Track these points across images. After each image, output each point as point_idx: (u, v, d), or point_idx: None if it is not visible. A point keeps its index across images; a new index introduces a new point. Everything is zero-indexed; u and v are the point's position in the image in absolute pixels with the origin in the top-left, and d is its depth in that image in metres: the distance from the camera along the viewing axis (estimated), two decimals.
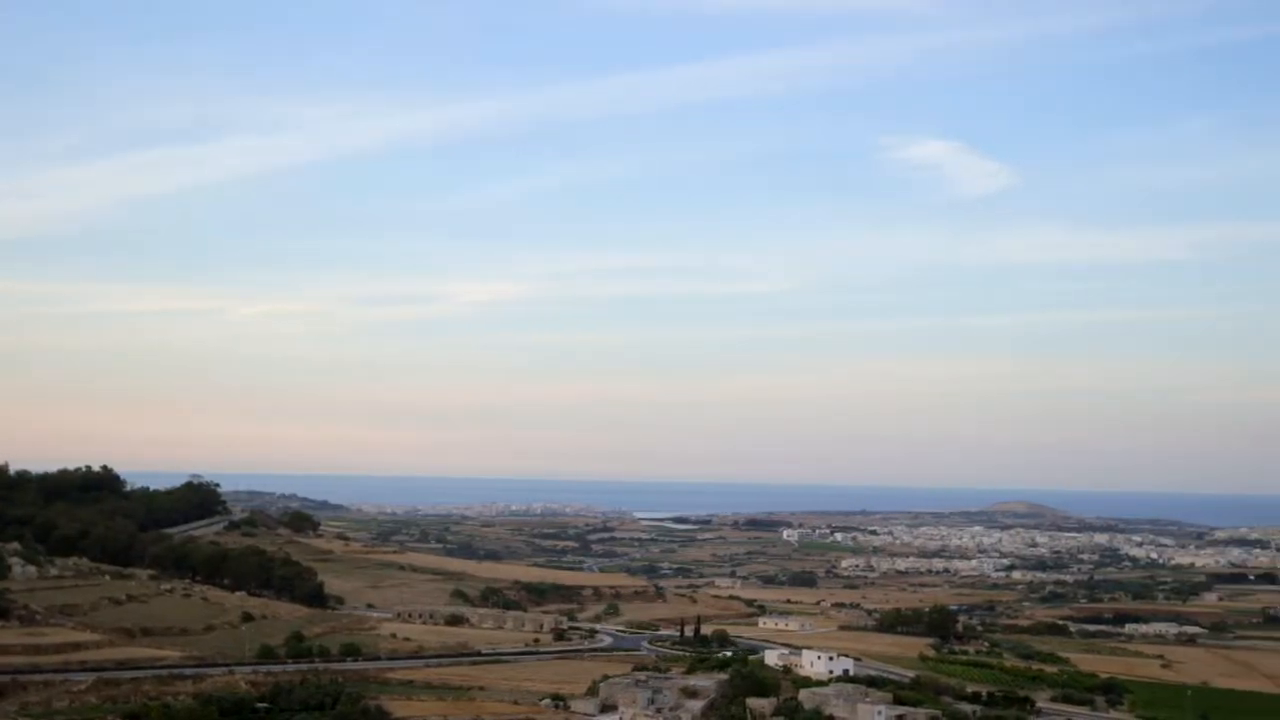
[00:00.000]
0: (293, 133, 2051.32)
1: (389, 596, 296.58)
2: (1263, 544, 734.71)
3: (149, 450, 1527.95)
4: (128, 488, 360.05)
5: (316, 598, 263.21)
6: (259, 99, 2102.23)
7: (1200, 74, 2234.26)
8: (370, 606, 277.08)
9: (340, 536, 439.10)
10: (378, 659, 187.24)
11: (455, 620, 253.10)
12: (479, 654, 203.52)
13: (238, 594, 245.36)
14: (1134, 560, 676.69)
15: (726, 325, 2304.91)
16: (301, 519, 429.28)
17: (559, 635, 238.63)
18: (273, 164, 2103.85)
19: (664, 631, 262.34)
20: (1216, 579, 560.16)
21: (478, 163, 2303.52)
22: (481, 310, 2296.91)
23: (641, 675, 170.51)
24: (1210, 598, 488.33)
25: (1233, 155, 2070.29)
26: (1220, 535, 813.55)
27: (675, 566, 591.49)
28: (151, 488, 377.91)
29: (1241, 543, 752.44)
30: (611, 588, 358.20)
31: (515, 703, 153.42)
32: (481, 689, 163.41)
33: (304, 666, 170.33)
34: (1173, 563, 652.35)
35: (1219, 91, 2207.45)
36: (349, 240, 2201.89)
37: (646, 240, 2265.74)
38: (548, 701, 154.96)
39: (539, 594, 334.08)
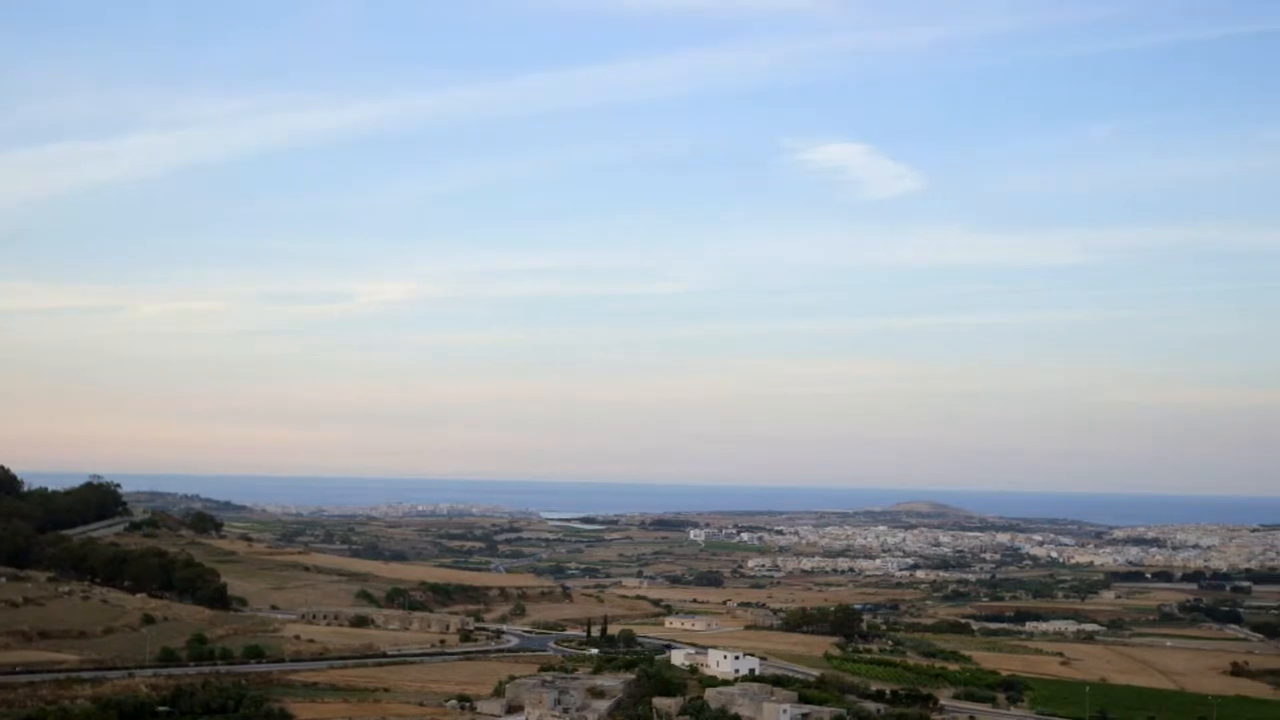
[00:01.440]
0: (197, 128, 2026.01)
1: (293, 598, 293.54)
2: (1159, 543, 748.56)
3: (47, 450, 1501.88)
4: (25, 488, 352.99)
5: (219, 599, 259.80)
6: (162, 93, 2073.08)
7: (1102, 81, 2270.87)
8: (274, 608, 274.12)
9: (244, 538, 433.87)
10: (281, 661, 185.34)
11: (360, 622, 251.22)
12: (384, 655, 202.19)
13: (138, 596, 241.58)
14: (1035, 559, 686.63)
15: (635, 326, 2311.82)
16: (204, 520, 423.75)
17: (465, 636, 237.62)
18: (176, 160, 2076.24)
19: (571, 632, 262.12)
20: (1114, 577, 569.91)
21: (385, 161, 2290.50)
22: (389, 310, 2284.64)
23: (548, 676, 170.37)
24: (1108, 596, 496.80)
25: (1132, 162, 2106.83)
26: (1119, 534, 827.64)
27: (582, 567, 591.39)
28: (50, 488, 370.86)
29: (1139, 541, 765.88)
30: (518, 588, 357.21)
31: (421, 704, 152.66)
32: (387, 690, 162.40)
33: (206, 669, 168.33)
34: (1072, 561, 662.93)
35: (1120, 99, 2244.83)
36: (254, 238, 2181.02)
37: (555, 241, 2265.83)
38: (453, 703, 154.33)
39: (445, 595, 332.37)
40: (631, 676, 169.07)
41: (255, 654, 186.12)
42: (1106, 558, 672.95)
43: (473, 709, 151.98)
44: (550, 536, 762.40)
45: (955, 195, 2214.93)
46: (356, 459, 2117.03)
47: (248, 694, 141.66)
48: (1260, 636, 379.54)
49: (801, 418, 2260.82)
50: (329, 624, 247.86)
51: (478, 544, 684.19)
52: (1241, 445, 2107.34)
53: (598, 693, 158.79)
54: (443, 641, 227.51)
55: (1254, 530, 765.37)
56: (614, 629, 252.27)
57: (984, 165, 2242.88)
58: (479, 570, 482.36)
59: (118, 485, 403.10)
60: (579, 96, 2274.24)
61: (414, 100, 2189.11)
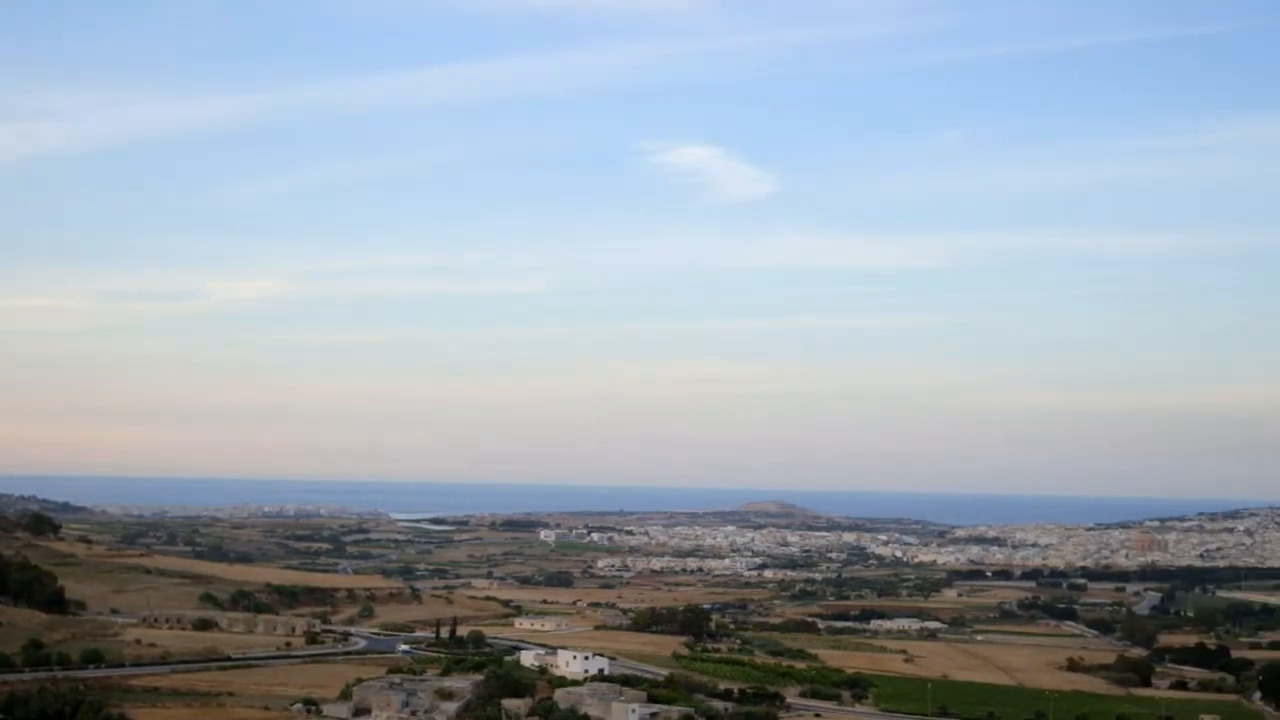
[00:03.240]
0: (41, 121, 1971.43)
1: (134, 601, 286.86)
2: (1000, 542, 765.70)
3: None
4: None
5: (56, 603, 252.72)
6: (3, 85, 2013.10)
7: (954, 88, 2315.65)
8: (115, 611, 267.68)
9: (83, 539, 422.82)
10: (121, 666, 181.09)
11: (204, 625, 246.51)
12: (228, 659, 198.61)
13: None
14: (880, 559, 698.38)
15: (486, 326, 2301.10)
16: (41, 521, 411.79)
17: (312, 638, 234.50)
18: (19, 152, 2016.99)
19: (420, 633, 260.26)
20: (956, 576, 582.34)
21: (236, 158, 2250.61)
22: (239, 308, 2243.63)
23: (396, 678, 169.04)
24: (950, 594, 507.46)
25: (982, 167, 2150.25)
26: (961, 534, 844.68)
27: (432, 568, 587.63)
28: None
29: (980, 541, 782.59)
30: (366, 590, 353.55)
31: (266, 708, 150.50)
32: (231, 695, 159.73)
33: (42, 675, 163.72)
34: (916, 560, 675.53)
35: (971, 105, 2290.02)
36: (98, 234, 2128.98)
37: (406, 239, 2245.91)
38: (299, 706, 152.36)
39: (292, 597, 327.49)
40: (480, 678, 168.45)
41: (94, 658, 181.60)
42: (949, 557, 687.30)
43: (319, 712, 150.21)
44: (399, 538, 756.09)
45: (809, 199, 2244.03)
46: (201, 459, 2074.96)
47: (86, 700, 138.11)
48: (1095, 633, 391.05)
49: (653, 418, 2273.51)
50: (171, 627, 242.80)
51: (325, 545, 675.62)
52: (1079, 447, 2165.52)
53: (446, 694, 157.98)
54: (289, 644, 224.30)
55: (1089, 529, 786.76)
56: (463, 630, 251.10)
57: (838, 169, 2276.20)
58: (327, 572, 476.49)
59: None
60: (435, 95, 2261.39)
61: (266, 97, 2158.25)
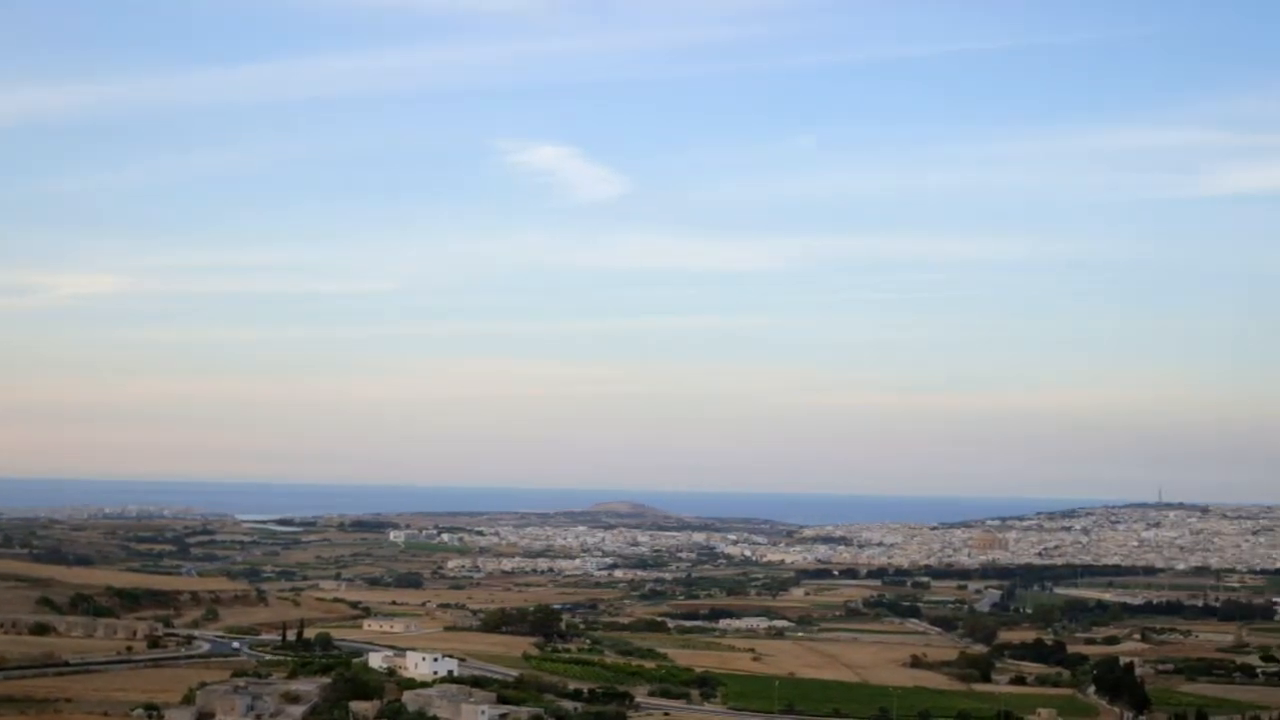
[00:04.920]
0: None
1: None
2: (846, 541, 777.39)
3: None
4: None
5: None
6: None
7: (809, 94, 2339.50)
8: None
9: None
10: None
11: (41, 629, 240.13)
12: (66, 664, 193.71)
13: None
14: (729, 558, 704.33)
15: (341, 324, 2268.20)
16: None
17: (154, 642, 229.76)
18: None
19: (265, 636, 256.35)
20: (804, 574, 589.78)
21: (79, 150, 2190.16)
22: (81, 304, 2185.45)
23: (240, 681, 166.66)
24: (798, 593, 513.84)
25: (833, 171, 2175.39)
26: (808, 533, 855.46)
27: (279, 570, 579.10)
28: None
29: (827, 540, 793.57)
30: (211, 592, 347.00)
31: (106, 714, 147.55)
32: (69, 701, 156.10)
33: None
34: (765, 560, 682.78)
35: (826, 111, 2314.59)
36: None
37: (251, 236, 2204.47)
38: (140, 711, 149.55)
39: (133, 600, 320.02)
40: (328, 680, 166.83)
41: None
42: (797, 556, 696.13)
43: (160, 717, 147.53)
44: (246, 539, 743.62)
45: (661, 200, 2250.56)
46: (39, 459, 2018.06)
47: None
48: (938, 630, 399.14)
49: (503, 418, 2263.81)
50: (5, 632, 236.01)
51: (169, 547, 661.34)
52: (924, 448, 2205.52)
53: (292, 698, 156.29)
54: (130, 648, 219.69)
55: (933, 529, 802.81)
56: (310, 632, 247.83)
57: (689, 171, 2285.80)
58: (170, 574, 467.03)
59: None
60: (284, 90, 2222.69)
61: (106, 89, 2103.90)
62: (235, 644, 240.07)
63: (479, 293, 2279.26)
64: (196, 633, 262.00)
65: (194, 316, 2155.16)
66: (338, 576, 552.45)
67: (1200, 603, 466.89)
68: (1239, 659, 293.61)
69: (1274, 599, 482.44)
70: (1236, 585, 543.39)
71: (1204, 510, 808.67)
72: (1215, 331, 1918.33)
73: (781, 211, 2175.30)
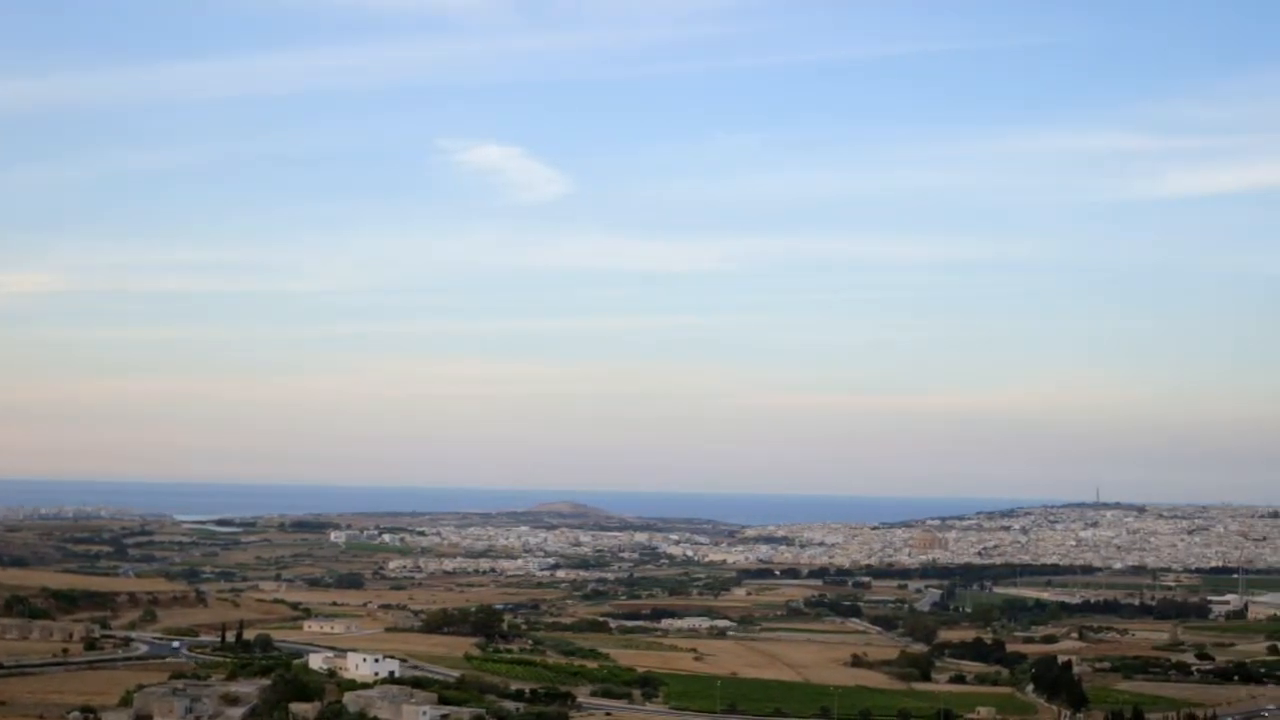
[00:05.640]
0: None
1: None
2: (788, 541, 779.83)
3: None
4: None
5: None
6: None
7: (747, 94, 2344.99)
8: None
9: None
10: None
11: None
12: (1, 666, 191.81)
13: None
14: (671, 558, 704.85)
15: (273, 323, 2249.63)
16: None
17: (91, 644, 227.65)
18: None
19: (205, 637, 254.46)
20: (746, 574, 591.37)
21: (16, 146, 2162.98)
22: (19, 302, 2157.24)
23: (179, 683, 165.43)
24: (740, 592, 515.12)
25: (778, 172, 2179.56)
26: (750, 533, 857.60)
27: (218, 570, 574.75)
28: None
29: (769, 540, 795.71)
30: (149, 593, 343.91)
31: (41, 717, 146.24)
32: (3, 704, 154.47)
33: None
34: (707, 560, 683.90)
35: (767, 112, 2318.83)
36: None
37: (194, 234, 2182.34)
38: (76, 714, 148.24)
39: (70, 601, 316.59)
40: (267, 682, 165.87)
41: None
42: (739, 556, 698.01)
43: None
44: (185, 539, 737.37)
45: (602, 200, 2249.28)
46: None
47: None
48: (878, 629, 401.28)
49: (446, 418, 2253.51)
50: None
51: (106, 548, 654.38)
52: (865, 448, 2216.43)
53: (232, 699, 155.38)
54: (66, 650, 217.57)
55: (874, 529, 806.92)
56: (250, 633, 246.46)
57: (630, 172, 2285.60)
58: (107, 575, 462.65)
59: None
60: (227, 87, 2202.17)
61: (43, 83, 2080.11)
62: (174, 645, 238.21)
63: (421, 292, 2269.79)
64: (134, 634, 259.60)
65: (131, 315, 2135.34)
66: (278, 577, 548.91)
67: (1136, 601, 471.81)
68: (1174, 657, 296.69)
69: (1208, 598, 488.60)
70: (1172, 584, 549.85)
71: (1140, 510, 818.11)
72: (1152, 333, 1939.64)
73: (725, 212, 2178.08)
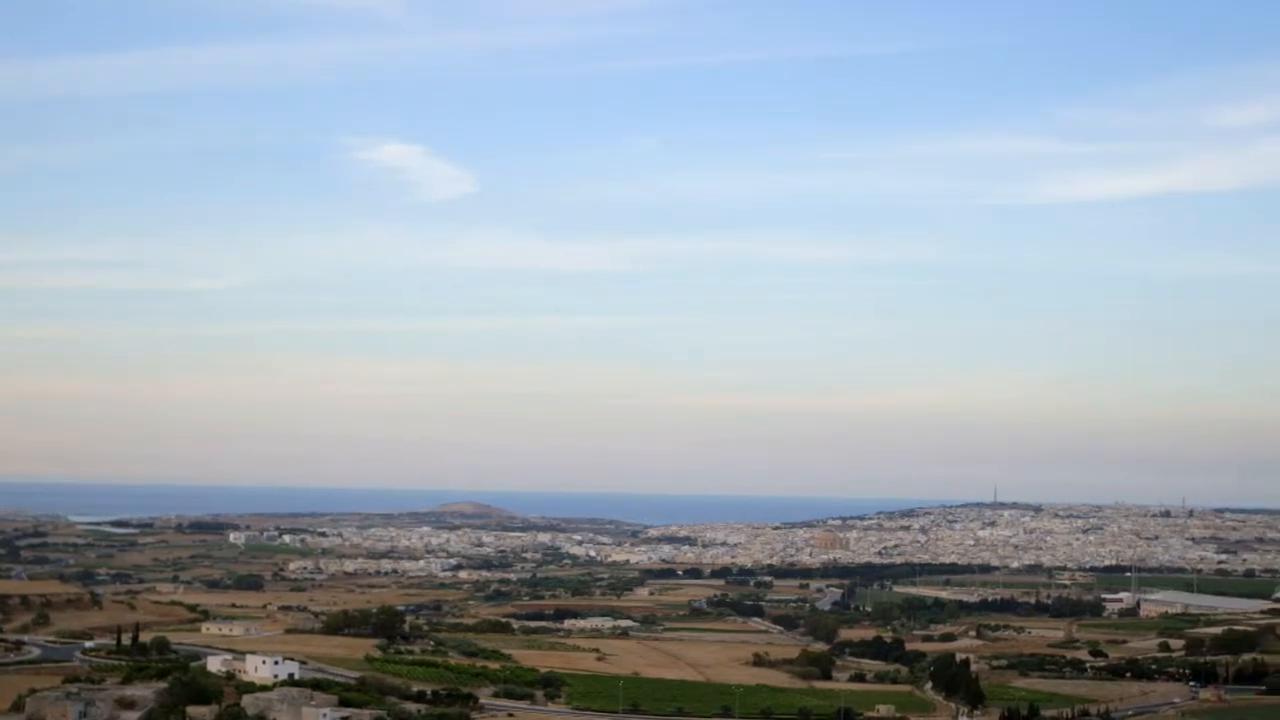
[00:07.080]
0: None
1: None
2: (691, 541, 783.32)
3: None
4: None
5: None
6: None
7: (652, 96, 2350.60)
8: None
9: None
10: None
11: None
12: None
13: None
14: (574, 558, 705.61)
15: (171, 322, 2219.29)
16: None
17: None
18: None
19: (100, 640, 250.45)
20: (649, 574, 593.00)
21: None
22: None
23: (73, 687, 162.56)
24: (643, 592, 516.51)
25: (678, 172, 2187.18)
26: (654, 533, 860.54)
27: (114, 572, 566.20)
28: None
29: (672, 540, 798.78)
30: (41, 596, 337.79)
31: None
32: None
33: None
34: (610, 560, 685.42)
35: (668, 114, 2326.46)
36: None
37: (88, 231, 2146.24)
38: None
39: None
40: (164, 685, 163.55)
41: None
42: (642, 556, 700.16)
43: None
44: (79, 541, 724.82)
45: (508, 200, 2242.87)
46: None
47: None
48: (780, 628, 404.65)
49: (349, 418, 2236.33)
50: None
51: None
52: (767, 449, 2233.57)
53: (127, 703, 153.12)
54: None
55: (776, 529, 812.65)
56: (147, 636, 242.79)
57: (537, 172, 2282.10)
58: None
59: None
60: (122, 82, 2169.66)
61: None
62: (68, 649, 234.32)
63: (322, 291, 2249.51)
64: (26, 638, 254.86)
65: (23, 312, 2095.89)
66: (175, 579, 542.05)
67: (1033, 600, 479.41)
68: (1069, 654, 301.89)
69: (1102, 596, 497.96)
70: (1067, 583, 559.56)
71: (1037, 510, 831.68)
72: (1048, 335, 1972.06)
73: (627, 212, 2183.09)
